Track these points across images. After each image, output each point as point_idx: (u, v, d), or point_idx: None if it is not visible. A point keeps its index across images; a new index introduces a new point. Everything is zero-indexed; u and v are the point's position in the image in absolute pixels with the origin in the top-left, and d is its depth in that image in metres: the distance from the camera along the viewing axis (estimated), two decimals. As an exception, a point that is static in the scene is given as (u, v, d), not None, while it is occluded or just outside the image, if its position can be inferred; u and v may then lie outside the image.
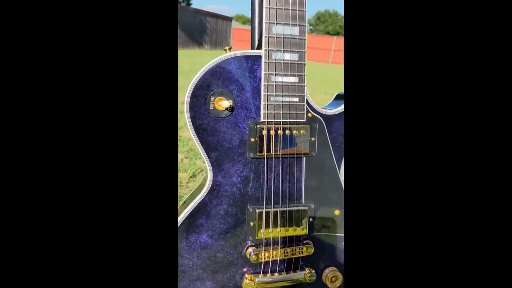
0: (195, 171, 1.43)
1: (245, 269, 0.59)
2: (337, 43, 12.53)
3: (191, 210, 0.56)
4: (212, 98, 0.53)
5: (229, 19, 14.42)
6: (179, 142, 1.74)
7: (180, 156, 1.60)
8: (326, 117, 0.59)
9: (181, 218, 0.56)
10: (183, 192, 1.24)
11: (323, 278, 0.63)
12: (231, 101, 0.54)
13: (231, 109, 0.55)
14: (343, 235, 0.63)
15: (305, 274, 0.60)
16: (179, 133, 1.87)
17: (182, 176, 1.39)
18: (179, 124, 1.86)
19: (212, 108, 0.54)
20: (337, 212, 0.62)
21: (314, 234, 0.62)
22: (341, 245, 0.64)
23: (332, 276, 0.62)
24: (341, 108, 0.60)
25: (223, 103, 0.53)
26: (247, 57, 0.54)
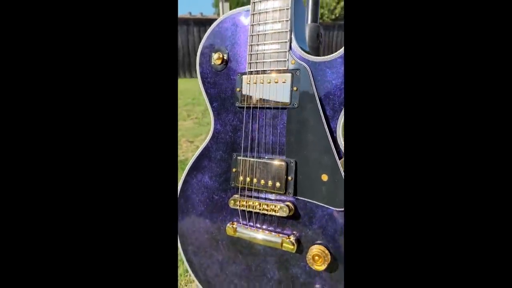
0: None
1: (235, 217, 0.62)
2: None
3: (199, 152, 0.66)
4: (212, 54, 0.62)
5: None
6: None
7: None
8: (313, 64, 0.52)
9: (192, 158, 0.67)
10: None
11: (307, 256, 0.53)
12: (225, 55, 0.60)
13: (225, 62, 0.61)
14: (334, 208, 0.51)
15: (282, 239, 0.54)
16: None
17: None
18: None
19: (212, 63, 0.62)
20: (324, 177, 0.51)
21: (299, 197, 0.54)
22: (333, 220, 0.52)
23: (315, 255, 0.52)
24: (335, 54, 0.50)
25: (215, 56, 0.61)
26: (240, 14, 0.59)
